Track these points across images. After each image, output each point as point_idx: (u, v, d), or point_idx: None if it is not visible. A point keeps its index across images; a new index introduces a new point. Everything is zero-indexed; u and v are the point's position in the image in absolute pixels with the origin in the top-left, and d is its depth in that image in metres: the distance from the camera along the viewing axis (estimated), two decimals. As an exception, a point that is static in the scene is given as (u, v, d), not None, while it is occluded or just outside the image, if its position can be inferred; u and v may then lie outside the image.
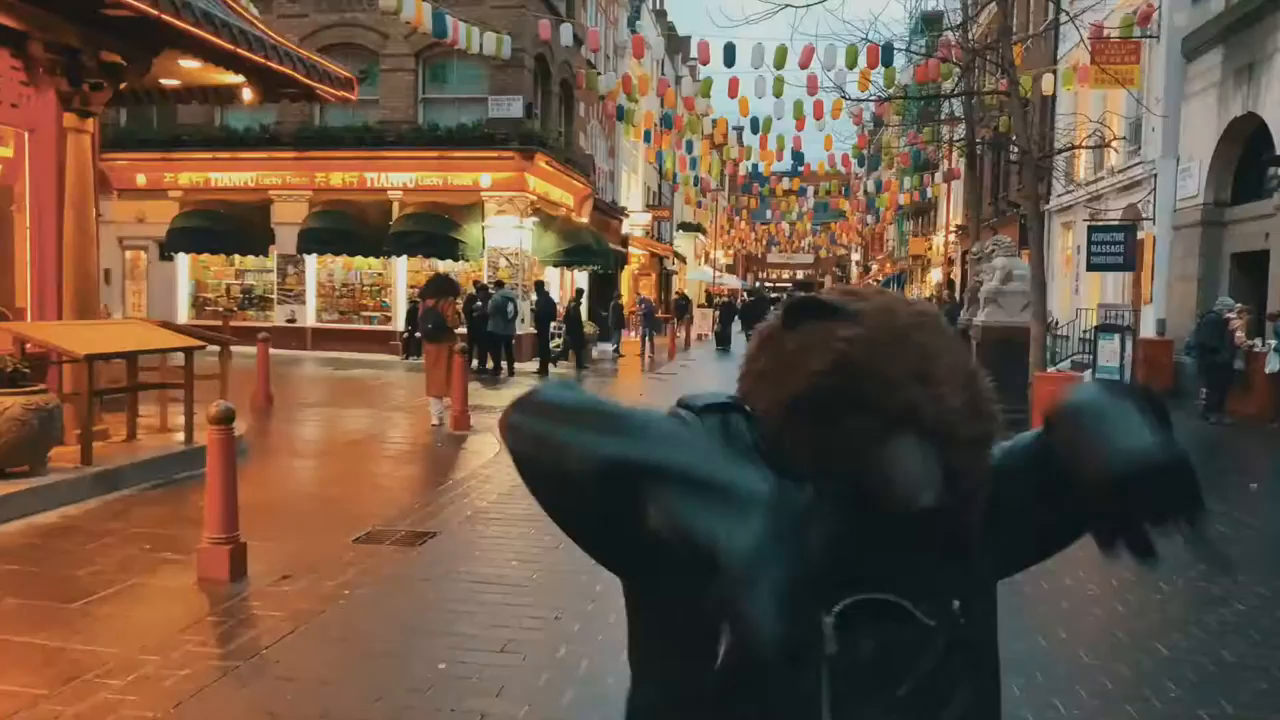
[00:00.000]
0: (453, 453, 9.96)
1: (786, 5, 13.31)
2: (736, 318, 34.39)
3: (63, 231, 8.04)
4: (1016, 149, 13.22)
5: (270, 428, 10.91)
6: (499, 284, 19.43)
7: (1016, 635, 4.55)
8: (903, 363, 0.93)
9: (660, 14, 53.04)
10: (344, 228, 21.56)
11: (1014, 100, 12.91)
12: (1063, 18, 21.37)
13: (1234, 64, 15.86)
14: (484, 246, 21.71)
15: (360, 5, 21.66)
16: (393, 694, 3.89)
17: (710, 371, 22.22)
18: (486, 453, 9.72)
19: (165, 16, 7.24)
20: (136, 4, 6.98)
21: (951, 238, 38.07)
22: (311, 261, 22.53)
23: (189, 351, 8.26)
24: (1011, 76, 12.53)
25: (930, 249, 45.29)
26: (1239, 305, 13.89)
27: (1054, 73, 22.05)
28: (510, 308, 17.95)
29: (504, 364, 18.52)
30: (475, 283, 20.14)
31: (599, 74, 23.89)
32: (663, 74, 39.63)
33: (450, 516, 7.06)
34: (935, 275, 42.30)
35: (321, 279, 22.86)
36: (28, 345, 7.12)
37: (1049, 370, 12.82)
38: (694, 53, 58.98)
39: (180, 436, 8.40)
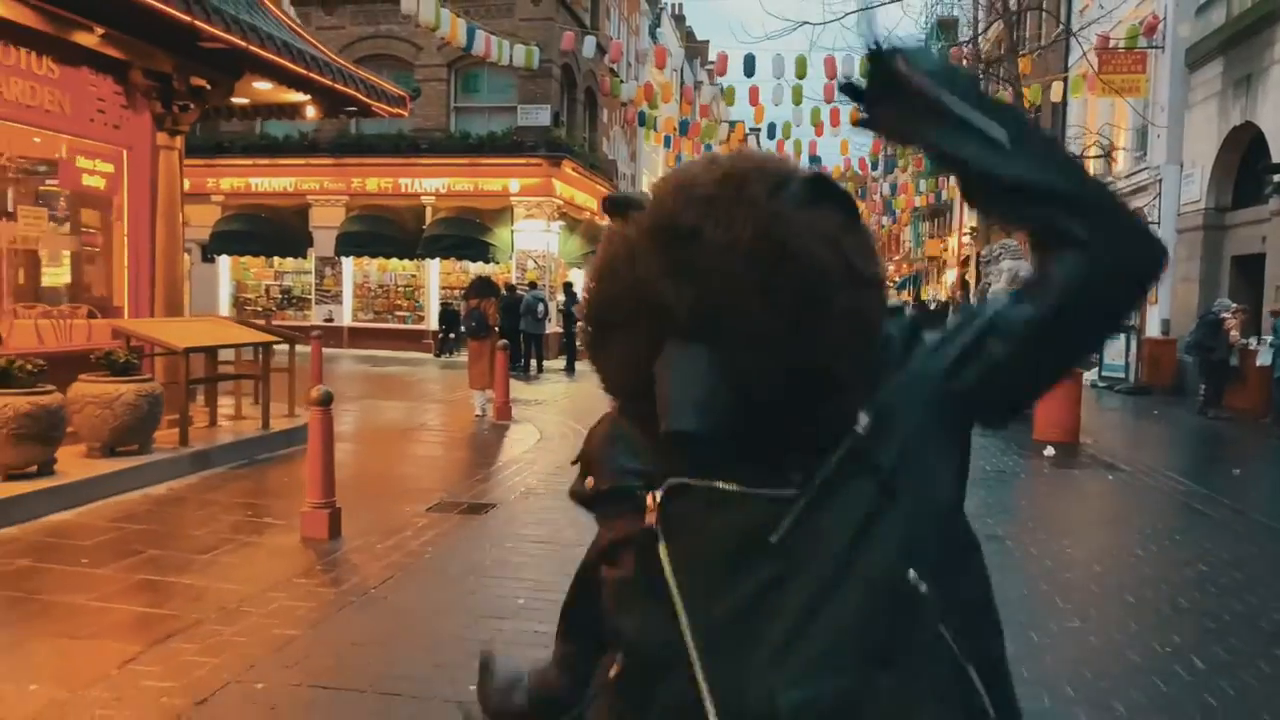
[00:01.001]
0: (497, 439, 10.85)
1: (805, 23, 14.12)
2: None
3: (155, 238, 8.98)
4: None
5: (341, 418, 11.82)
6: (532, 285, 20.30)
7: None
8: (659, 256, 0.78)
9: (679, 19, 53.95)
10: (379, 231, 22.53)
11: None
12: (1071, 29, 22.14)
13: (1233, 75, 16.57)
14: (513, 249, 22.63)
15: (395, 18, 22.55)
16: (484, 621, 4.77)
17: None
18: (528, 440, 10.61)
19: (253, 48, 8.16)
20: (229, 37, 7.89)
21: (966, 239, 38.76)
22: (348, 263, 23.51)
23: (265, 347, 9.19)
24: (1017, 89, 13.32)
25: (945, 250, 45.96)
26: (1235, 306, 14.61)
27: (1064, 81, 22.75)
28: (541, 308, 18.84)
29: (534, 362, 19.41)
30: (505, 284, 21.02)
31: (622, 82, 24.76)
32: (682, 79, 40.44)
33: (505, 492, 7.95)
34: (950, 276, 42.96)
35: (357, 280, 23.84)
36: (132, 340, 8.04)
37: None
38: (712, 57, 59.82)
39: (256, 423, 9.32)
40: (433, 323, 23.13)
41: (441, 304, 23.16)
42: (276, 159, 23.12)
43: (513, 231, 22.66)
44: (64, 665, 4.09)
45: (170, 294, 9.09)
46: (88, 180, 8.48)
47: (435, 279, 23.49)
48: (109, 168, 8.68)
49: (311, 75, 9.15)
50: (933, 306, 41.67)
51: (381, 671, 4.07)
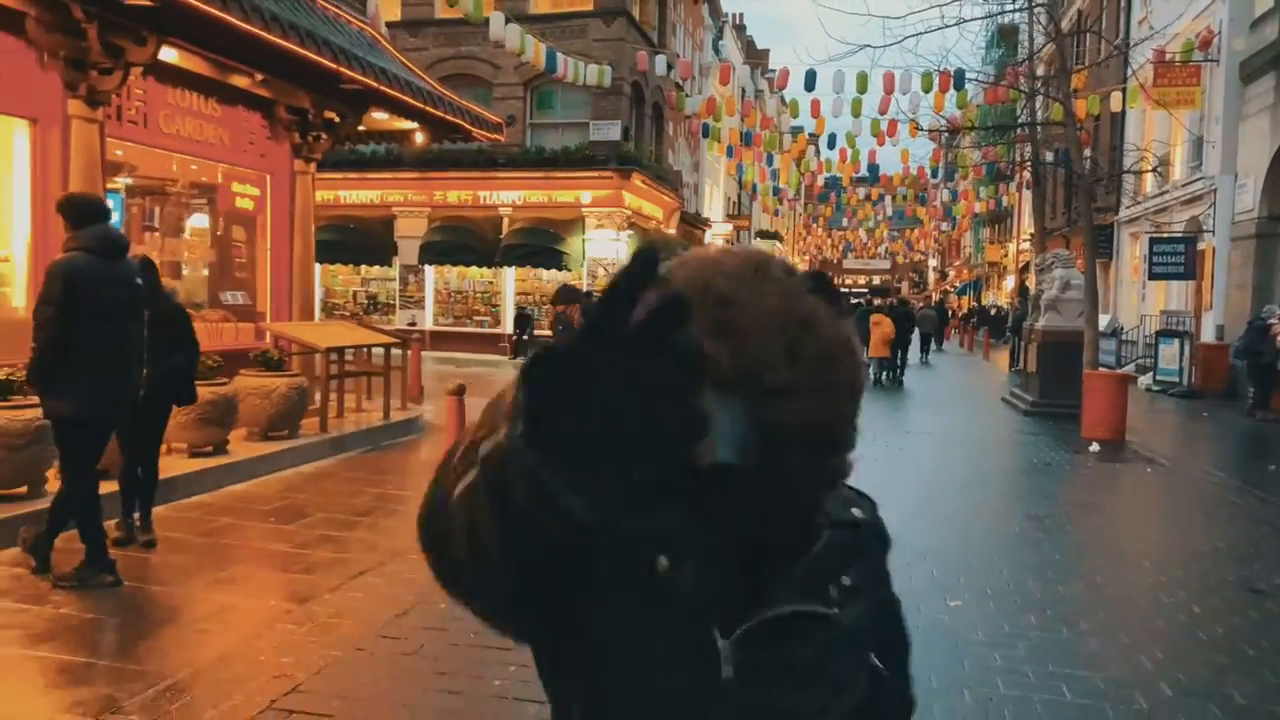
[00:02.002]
0: (584, 433, 11.99)
1: (866, 46, 15.07)
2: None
3: (292, 252, 10.29)
4: (1075, 174, 14.70)
5: (438, 412, 13.10)
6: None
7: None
8: (699, 316, 0.80)
9: (740, 28, 54.88)
10: (460, 241, 23.90)
11: (1070, 131, 14.48)
12: (1126, 45, 22.71)
13: (1286, 88, 17.10)
14: (584, 257, 23.83)
15: (474, 40, 23.96)
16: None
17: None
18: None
19: (383, 87, 9.41)
20: (364, 79, 9.15)
21: (1026, 245, 39.11)
22: (430, 271, 24.94)
23: (388, 347, 10.44)
24: (1067, 108, 14.11)
25: (1006, 256, 46.23)
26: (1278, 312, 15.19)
27: (1122, 92, 23.29)
28: (614, 313, 19.96)
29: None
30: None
31: (687, 96, 25.86)
32: (743, 93, 41.40)
33: (599, 475, 9.07)
34: (1010, 282, 43.25)
35: (438, 286, 25.26)
36: (279, 340, 9.33)
37: (1099, 370, 14.24)
38: (773, 65, 60.07)
39: (377, 414, 10.58)
40: (508, 326, 24.42)
41: (516, 309, 24.45)
42: (364, 173, 24.58)
43: (584, 241, 23.87)
44: (289, 589, 5.29)
45: (305, 301, 10.40)
46: (239, 202, 9.82)
47: (511, 285, 24.80)
48: (255, 191, 10.00)
49: (426, 108, 10.38)
50: (992, 312, 42.03)
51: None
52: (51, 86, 7.24)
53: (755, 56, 57.41)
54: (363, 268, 25.52)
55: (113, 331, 4.89)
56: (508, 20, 17.14)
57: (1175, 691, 4.22)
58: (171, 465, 7.22)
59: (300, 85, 9.57)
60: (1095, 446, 11.48)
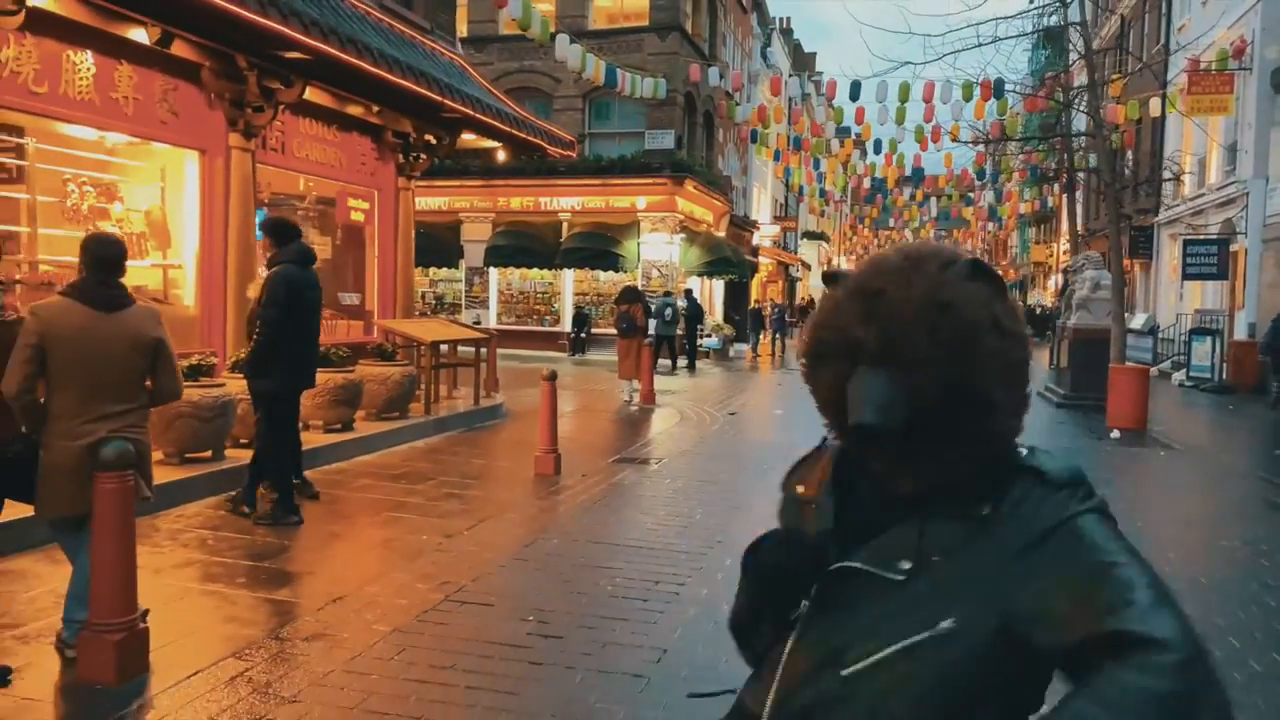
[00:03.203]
0: (646, 418, 13.32)
1: (907, 63, 16.21)
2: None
3: (396, 258, 11.74)
4: (1105, 182, 15.69)
5: (511, 401, 14.53)
6: (668, 293, 22.70)
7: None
8: (854, 308, 1.10)
9: (787, 32, 55.87)
10: (522, 245, 25.37)
11: (1099, 141, 15.49)
12: (1166, 51, 23.52)
13: (1313, 97, 17.91)
14: (639, 260, 25.17)
15: (537, 54, 25.40)
16: (670, 523, 7.18)
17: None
18: (672, 419, 13.05)
19: (477, 114, 10.81)
20: (463, 109, 10.56)
21: (1068, 246, 39.72)
22: (494, 273, 26.45)
23: (477, 343, 11.86)
24: (1097, 121, 15.14)
25: (1051, 256, 46.76)
26: (1304, 310, 16.04)
27: (1161, 97, 24.09)
28: (669, 311, 21.26)
29: (670, 360, 21.80)
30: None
31: (737, 104, 27.09)
32: (790, 102, 42.48)
33: (664, 452, 10.38)
34: (1055, 281, 43.84)
35: (502, 287, 26.78)
36: (391, 335, 10.77)
37: (1125, 364, 15.17)
38: (819, 66, 60.53)
39: (468, 400, 12.00)
40: (566, 325, 25.85)
41: (575, 308, 25.86)
42: (432, 181, 26.05)
43: (639, 244, 25.21)
44: (433, 528, 6.68)
45: (406, 301, 11.86)
46: (353, 215, 11.28)
47: (569, 286, 26.23)
48: (365, 205, 11.46)
49: (512, 131, 11.78)
50: (1037, 311, 42.68)
51: (614, 538, 6.55)
52: (216, 123, 8.73)
53: (802, 60, 58.42)
54: (431, 270, 27.08)
55: (310, 325, 6.31)
56: (571, 40, 18.52)
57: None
58: (311, 439, 8.64)
59: (405, 113, 11.01)
60: (1116, 434, 12.53)
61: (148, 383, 4.21)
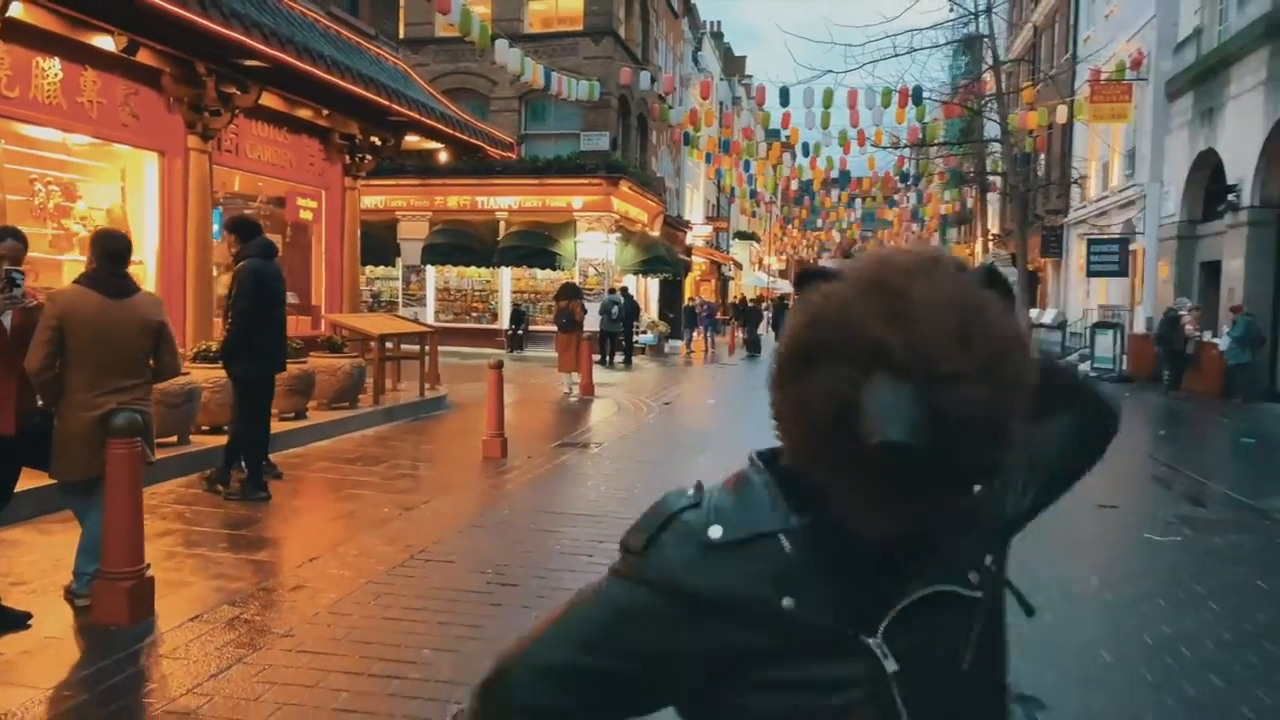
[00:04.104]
0: (586, 408, 13.99)
1: (829, 71, 17.13)
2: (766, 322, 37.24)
3: (343, 255, 12.22)
4: (1011, 186, 16.82)
5: (452, 394, 15.07)
6: (612, 290, 23.33)
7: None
8: (872, 305, 0.90)
9: (718, 36, 56.95)
10: (459, 243, 25.81)
11: (1006, 148, 16.61)
12: (1073, 61, 24.92)
13: (1201, 107, 19.32)
14: (576, 258, 25.80)
15: (473, 56, 25.85)
16: (611, 495, 7.87)
17: (762, 368, 26.08)
18: (609, 409, 13.74)
19: (423, 118, 11.36)
20: (410, 113, 11.10)
21: (990, 245, 41.43)
22: (431, 271, 26.83)
23: (421, 336, 12.40)
24: (1004, 128, 16.23)
25: (971, 255, 48.58)
26: (1191, 305, 17.38)
27: (1068, 105, 25.54)
28: (615, 309, 21.96)
29: (615, 355, 22.46)
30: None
31: (670, 108, 27.92)
32: (721, 106, 43.47)
33: (603, 438, 11.07)
34: (975, 280, 45.50)
35: (439, 285, 27.17)
36: (338, 328, 11.26)
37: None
38: (748, 70, 61.73)
39: (413, 392, 12.53)
40: (504, 322, 26.36)
41: (512, 306, 26.39)
42: (369, 180, 26.28)
43: (575, 243, 25.83)
44: (392, 501, 7.26)
45: (352, 296, 12.34)
46: (302, 214, 11.73)
47: (507, 284, 26.74)
48: (314, 204, 11.93)
49: (455, 134, 12.35)
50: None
51: (560, 508, 7.22)
52: (175, 125, 9.16)
53: (733, 64, 59.61)
54: (368, 268, 27.31)
55: (278, 314, 6.85)
56: (510, 44, 19.09)
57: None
58: (269, 425, 9.13)
59: (353, 116, 11.51)
60: (1019, 418, 13.56)
61: (151, 361, 4.76)
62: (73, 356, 4.46)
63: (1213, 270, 19.06)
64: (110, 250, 4.66)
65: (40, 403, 4.55)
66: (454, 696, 3.80)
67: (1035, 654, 4.51)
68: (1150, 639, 4.78)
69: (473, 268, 26.46)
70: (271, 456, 8.25)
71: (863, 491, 0.92)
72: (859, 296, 0.91)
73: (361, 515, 6.88)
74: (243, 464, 7.07)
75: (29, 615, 4.49)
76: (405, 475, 8.39)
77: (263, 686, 3.89)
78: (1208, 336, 17.33)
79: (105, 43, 7.99)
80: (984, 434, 0.88)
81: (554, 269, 25.38)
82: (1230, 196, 17.37)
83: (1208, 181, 19.64)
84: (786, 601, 0.95)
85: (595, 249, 25.86)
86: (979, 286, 0.94)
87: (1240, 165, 17.01)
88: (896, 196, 44.92)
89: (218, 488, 7.07)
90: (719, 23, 57.33)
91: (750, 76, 65.95)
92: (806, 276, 0.99)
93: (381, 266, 27.27)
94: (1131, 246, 22.46)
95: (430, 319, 26.91)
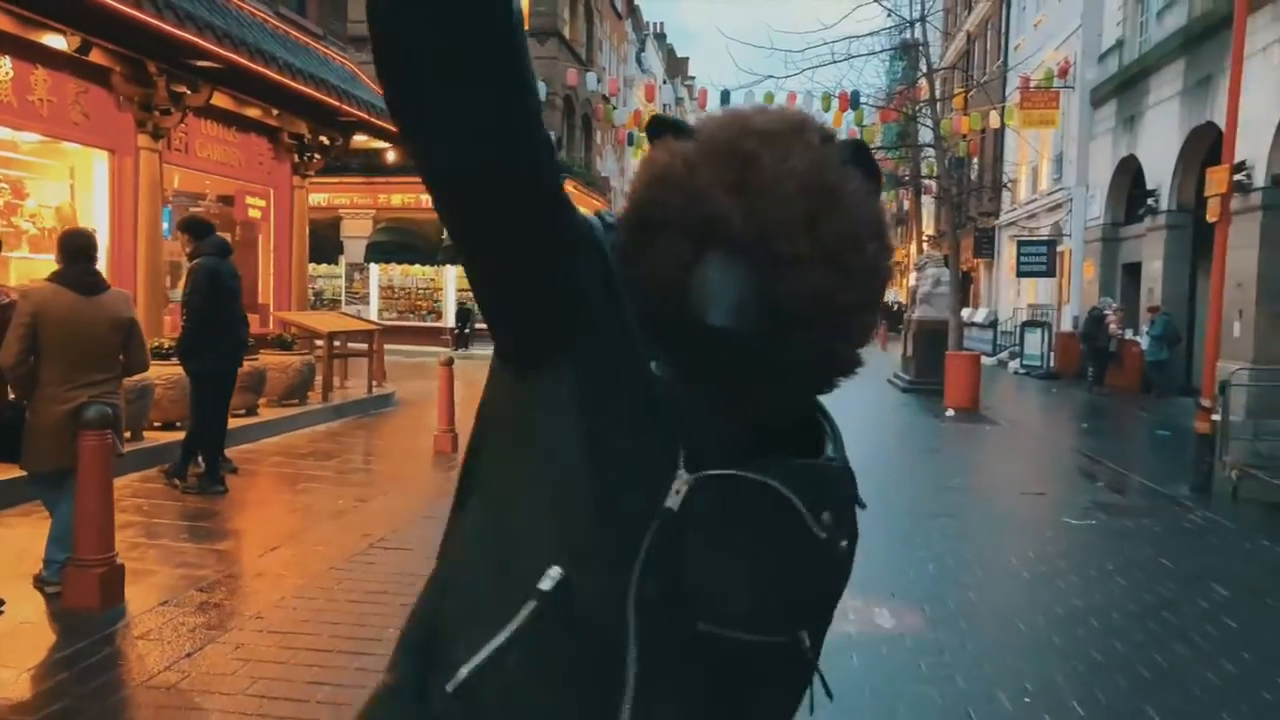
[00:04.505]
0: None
1: (770, 77, 17.56)
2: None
3: (291, 253, 12.31)
4: (941, 188, 17.43)
5: (399, 391, 15.18)
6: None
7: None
8: (717, 172, 0.80)
9: (660, 37, 57.45)
10: (403, 241, 25.80)
11: (938, 153, 17.21)
12: (1004, 68, 25.74)
13: (1123, 115, 20.17)
14: (521, 256, 25.96)
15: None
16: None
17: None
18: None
19: (372, 118, 11.51)
20: (359, 113, 11.24)
21: (925, 246, 42.45)
22: (374, 269, 26.78)
23: (372, 333, 12.53)
24: (937, 133, 16.82)
25: (906, 256, 49.67)
26: (1114, 304, 18.18)
27: (1000, 111, 26.39)
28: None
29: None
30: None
31: (614, 108, 28.21)
32: (663, 98, 43.89)
33: (553, 433, 11.32)
34: (911, 279, 46.64)
35: (383, 283, 27.12)
36: (290, 326, 11.36)
37: (960, 352, 16.88)
38: (692, 72, 62.24)
39: (362, 389, 12.66)
40: (449, 321, 26.42)
41: (458, 304, 26.45)
42: (314, 178, 26.25)
43: (520, 241, 25.99)
44: (349, 493, 7.46)
45: (301, 294, 12.43)
46: (251, 212, 11.80)
47: (452, 282, 26.79)
48: (262, 203, 12.00)
49: (403, 134, 12.49)
50: (895, 308, 45.35)
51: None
52: (125, 125, 9.21)
53: (675, 64, 60.15)
54: (310, 265, 27.13)
55: (234, 311, 7.00)
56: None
57: (919, 517, 6.70)
58: (220, 422, 9.23)
59: (302, 116, 11.61)
60: (951, 412, 14.13)
61: (121, 356, 4.92)
62: (46, 352, 4.62)
63: (1134, 271, 19.92)
64: (73, 247, 4.82)
65: (13, 396, 4.69)
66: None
67: (957, 625, 4.91)
68: (1062, 610, 5.21)
69: (417, 266, 26.47)
70: (226, 452, 8.41)
71: (699, 378, 0.85)
72: (705, 160, 0.83)
73: (318, 507, 7.06)
74: (199, 459, 7.21)
75: (2, 601, 4.64)
76: (358, 469, 8.58)
77: (237, 664, 4.11)
78: (1129, 335, 18.14)
79: (57, 42, 8.04)
80: (823, 325, 0.83)
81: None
82: (1149, 201, 18.20)
83: (1130, 186, 20.51)
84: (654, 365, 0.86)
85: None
86: (841, 164, 0.84)
87: (1158, 171, 17.84)
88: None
89: (174, 481, 7.19)
90: (662, 24, 57.78)
91: (694, 77, 66.54)
92: (658, 127, 0.90)
93: (324, 264, 27.13)
94: (1059, 248, 23.34)
95: (374, 317, 26.87)
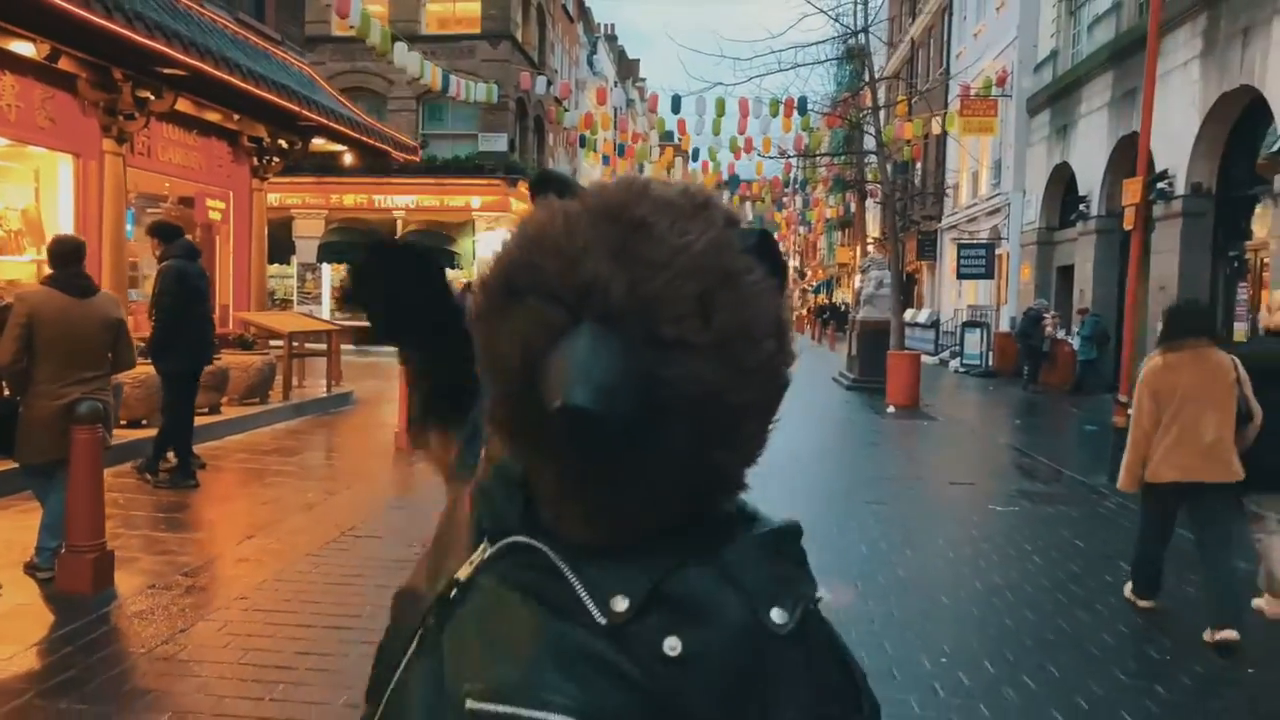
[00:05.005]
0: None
1: (719, 84, 18.10)
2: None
3: (250, 255, 12.52)
4: (885, 194, 18.09)
5: (356, 390, 15.41)
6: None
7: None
8: (603, 234, 0.69)
9: (612, 39, 57.84)
10: (355, 241, 25.89)
11: (880, 159, 17.86)
12: (946, 75, 26.57)
13: (1057, 123, 21.04)
14: (474, 257, 26.23)
15: (369, 56, 25.86)
16: (526, 477, 8.54)
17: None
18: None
19: (331, 123, 11.78)
20: (318, 118, 11.51)
21: (870, 248, 43.44)
22: (326, 269, 26.84)
23: (330, 334, 12.79)
24: (880, 140, 17.47)
25: (853, 257, 50.72)
26: (1052, 312, 19.00)
27: (941, 117, 27.24)
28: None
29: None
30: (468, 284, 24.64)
31: (566, 111, 28.58)
32: (615, 110, 44.29)
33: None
34: (857, 280, 47.68)
35: (335, 283, 27.16)
36: (250, 326, 11.59)
37: (901, 351, 17.53)
38: (642, 73, 62.63)
39: (321, 388, 12.91)
40: (403, 321, 26.57)
41: (411, 305, 26.59)
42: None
43: (474, 242, 26.27)
44: (316, 487, 7.77)
45: (260, 294, 12.64)
46: (211, 214, 11.98)
47: (405, 283, 26.96)
48: (222, 205, 12.19)
49: (360, 137, 12.78)
50: (842, 309, 46.35)
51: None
52: (90, 129, 9.40)
53: (627, 66, 60.62)
54: (263, 266, 27.17)
55: (202, 311, 7.29)
56: (409, 46, 19.45)
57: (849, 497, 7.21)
58: (185, 420, 9.47)
59: (262, 120, 11.84)
60: (892, 409, 14.74)
61: (109, 354, 5.23)
62: (39, 351, 4.91)
63: (1067, 273, 20.78)
64: (64, 253, 5.12)
65: (7, 392, 4.98)
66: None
67: (886, 599, 5.41)
68: (981, 585, 5.74)
69: (370, 266, 26.57)
70: (194, 448, 8.66)
71: (551, 477, 0.73)
72: (590, 220, 0.71)
73: (288, 500, 7.37)
74: (170, 454, 7.48)
75: (-2, 585, 4.92)
76: (323, 464, 8.89)
77: (228, 638, 4.46)
78: (1062, 335, 18.96)
79: (26, 49, 8.24)
80: (705, 425, 0.69)
81: (452, 268, 25.73)
82: (1081, 207, 19.04)
83: (1063, 192, 21.38)
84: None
85: (494, 248, 26.21)
86: (744, 252, 0.72)
87: (1089, 178, 18.68)
88: (785, 200, 46.57)
89: (146, 476, 7.45)
90: (613, 25, 58.20)
91: (644, 79, 67.13)
92: (542, 182, 0.78)
93: (276, 264, 27.11)
94: (997, 251, 24.21)
95: (325, 317, 26.94)
